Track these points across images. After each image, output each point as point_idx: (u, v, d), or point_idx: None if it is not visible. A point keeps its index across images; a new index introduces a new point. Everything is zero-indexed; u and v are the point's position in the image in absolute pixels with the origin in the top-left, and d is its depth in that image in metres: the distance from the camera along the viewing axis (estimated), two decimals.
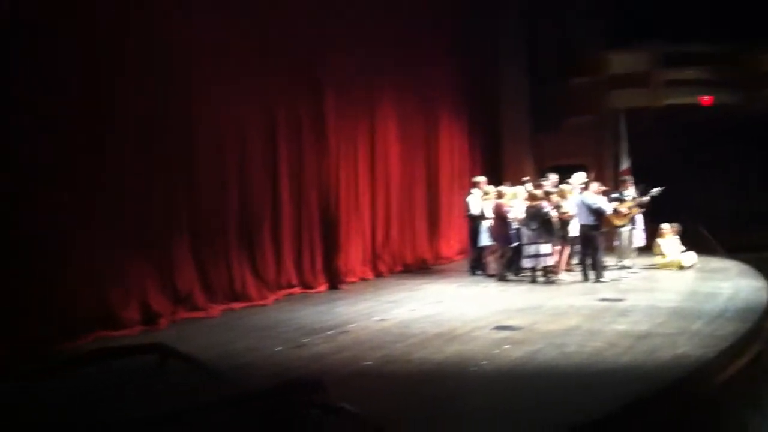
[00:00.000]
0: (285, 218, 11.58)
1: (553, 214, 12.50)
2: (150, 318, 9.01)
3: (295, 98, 11.81)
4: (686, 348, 7.66)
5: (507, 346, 7.84)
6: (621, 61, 18.15)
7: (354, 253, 13.10)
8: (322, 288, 12.02)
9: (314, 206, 12.17)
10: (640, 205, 13.95)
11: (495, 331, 8.68)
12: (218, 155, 10.43)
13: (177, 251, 9.76)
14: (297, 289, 11.63)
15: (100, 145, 8.67)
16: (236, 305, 10.31)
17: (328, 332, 8.75)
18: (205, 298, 9.97)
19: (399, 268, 14.36)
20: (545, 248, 12.30)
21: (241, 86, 10.71)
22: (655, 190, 13.74)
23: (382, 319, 9.53)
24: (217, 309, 9.96)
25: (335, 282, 12.25)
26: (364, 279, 13.12)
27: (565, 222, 12.82)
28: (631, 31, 17.90)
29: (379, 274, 13.62)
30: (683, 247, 14.39)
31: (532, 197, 12.74)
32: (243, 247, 10.82)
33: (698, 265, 14.15)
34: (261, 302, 10.62)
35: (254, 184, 11.01)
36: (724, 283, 12.14)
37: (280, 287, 11.33)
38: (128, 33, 9.05)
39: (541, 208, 12.41)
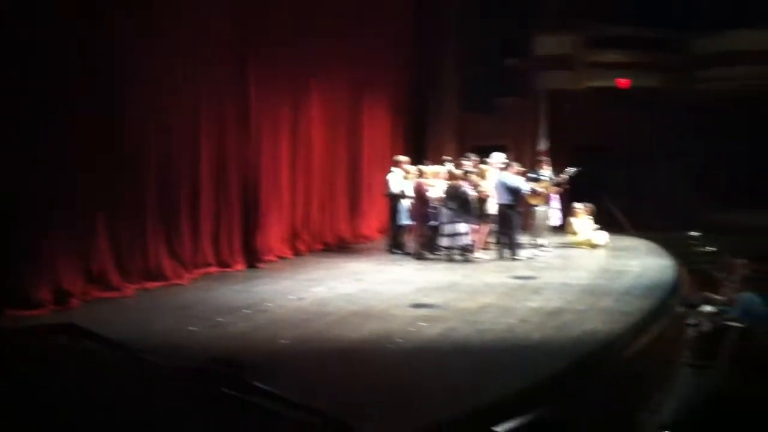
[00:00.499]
0: (204, 197, 11.39)
1: (472, 193, 12.70)
2: (61, 297, 8.77)
3: (218, 78, 11.59)
4: (595, 324, 7.96)
5: (423, 324, 7.96)
6: (547, 43, 18.36)
7: (273, 232, 12.97)
8: (240, 267, 11.86)
9: (234, 185, 11.99)
10: (557, 185, 14.29)
11: (412, 309, 8.80)
12: (138, 133, 10.14)
13: (91, 229, 9.50)
14: (214, 268, 11.45)
15: (12, 119, 8.37)
16: (151, 285, 10.11)
17: (245, 311, 8.69)
18: (119, 277, 9.76)
19: (318, 246, 14.33)
20: (462, 227, 12.49)
21: (166, 67, 10.47)
22: (571, 170, 14.09)
23: (299, 298, 9.52)
24: (131, 288, 9.77)
25: (253, 261, 12.12)
26: (282, 257, 12.99)
27: (483, 201, 13.06)
28: (560, 13, 18.18)
29: (298, 253, 13.53)
30: (596, 226, 14.82)
31: (451, 177, 12.92)
32: (159, 225, 10.60)
33: (610, 244, 14.60)
34: (177, 282, 10.43)
35: (174, 162, 10.77)
36: (632, 262, 12.59)
37: (196, 266, 11.14)
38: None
39: (460, 187, 12.60)
